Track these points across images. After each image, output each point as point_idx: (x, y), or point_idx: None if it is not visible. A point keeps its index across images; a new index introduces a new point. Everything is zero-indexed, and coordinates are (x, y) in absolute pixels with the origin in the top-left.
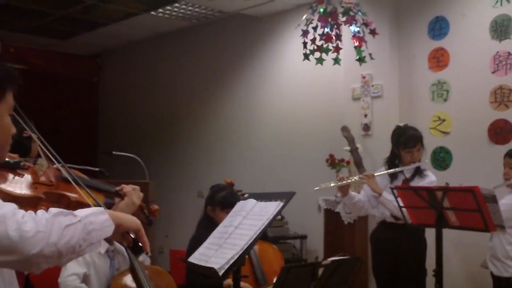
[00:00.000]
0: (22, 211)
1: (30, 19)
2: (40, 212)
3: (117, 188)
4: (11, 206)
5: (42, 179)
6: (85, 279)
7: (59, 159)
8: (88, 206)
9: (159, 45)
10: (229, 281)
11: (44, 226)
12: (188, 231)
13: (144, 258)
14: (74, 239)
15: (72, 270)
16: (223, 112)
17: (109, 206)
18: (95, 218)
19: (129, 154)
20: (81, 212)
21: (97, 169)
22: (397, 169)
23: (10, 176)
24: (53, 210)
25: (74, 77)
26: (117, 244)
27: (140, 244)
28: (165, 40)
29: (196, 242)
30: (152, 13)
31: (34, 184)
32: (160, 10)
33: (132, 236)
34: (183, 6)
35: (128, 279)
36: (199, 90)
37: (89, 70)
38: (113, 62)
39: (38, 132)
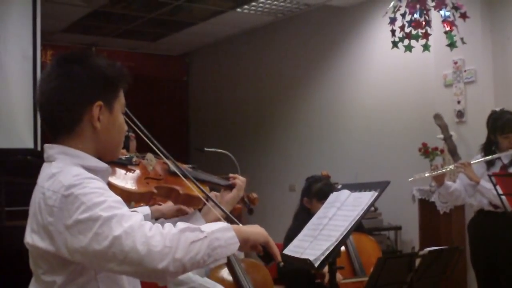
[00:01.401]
0: (149, 223)
1: (120, 24)
2: (168, 225)
3: (231, 182)
4: (138, 217)
5: (152, 173)
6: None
7: (166, 153)
8: (197, 198)
9: (245, 42)
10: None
11: (170, 241)
12: (280, 224)
13: (238, 253)
14: (200, 255)
15: None
16: (312, 105)
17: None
18: (221, 235)
19: (221, 150)
20: (207, 228)
21: (189, 166)
22: (495, 156)
23: (123, 172)
24: (180, 225)
25: (165, 77)
26: None
27: (270, 253)
28: (251, 36)
29: (293, 233)
30: (238, 10)
31: (146, 179)
32: (246, 6)
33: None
34: (268, 1)
35: (225, 272)
36: (286, 84)
37: (179, 69)
38: (202, 60)
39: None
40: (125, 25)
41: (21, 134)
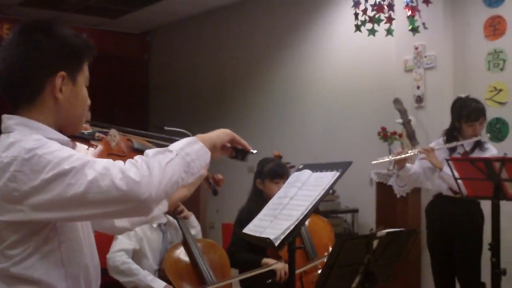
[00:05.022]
0: (120, 161)
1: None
2: (138, 157)
3: None
4: (109, 159)
5: (115, 149)
6: (137, 253)
7: (134, 130)
8: None
9: (207, 21)
10: (266, 260)
11: (146, 170)
12: (239, 206)
13: (196, 232)
14: (176, 175)
15: (120, 245)
16: (273, 86)
17: None
18: (190, 149)
19: (180, 130)
20: (175, 146)
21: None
22: (458, 143)
23: (84, 147)
24: (149, 151)
25: (125, 55)
26: (169, 218)
27: (241, 148)
28: (213, 16)
29: (245, 213)
30: None
31: (108, 155)
32: None
33: (229, 145)
34: None
35: (181, 253)
36: (247, 65)
37: (140, 47)
38: (163, 39)
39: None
40: (85, 0)
41: None
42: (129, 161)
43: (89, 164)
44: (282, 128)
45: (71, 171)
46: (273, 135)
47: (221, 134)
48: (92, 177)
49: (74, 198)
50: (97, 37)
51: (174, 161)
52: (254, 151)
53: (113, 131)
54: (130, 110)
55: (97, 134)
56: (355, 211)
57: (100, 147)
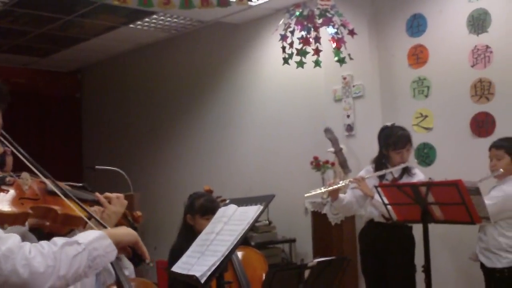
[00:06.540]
0: (28, 244)
1: (10, 39)
2: (46, 244)
3: (98, 196)
4: (15, 238)
5: (28, 193)
6: None
7: (44, 172)
8: (77, 218)
9: (139, 58)
10: None
11: (53, 260)
12: None
13: (129, 273)
14: (81, 268)
15: None
16: (206, 121)
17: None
18: (98, 244)
19: (112, 168)
20: (84, 239)
21: (79, 184)
22: (387, 171)
23: None
24: (58, 240)
25: (57, 93)
26: None
27: (139, 253)
28: (145, 52)
29: (177, 251)
30: (131, 25)
31: (21, 199)
32: (139, 22)
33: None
34: (162, 18)
35: None
36: (180, 100)
37: (71, 85)
38: (95, 76)
39: (19, 146)
40: (15, 39)
41: None
42: (36, 247)
43: None
44: (216, 161)
45: None
46: (206, 169)
47: (128, 234)
48: None
49: None
50: (28, 76)
51: (82, 255)
52: (151, 264)
53: (24, 174)
54: (63, 149)
55: (8, 178)
56: (292, 240)
57: (12, 191)
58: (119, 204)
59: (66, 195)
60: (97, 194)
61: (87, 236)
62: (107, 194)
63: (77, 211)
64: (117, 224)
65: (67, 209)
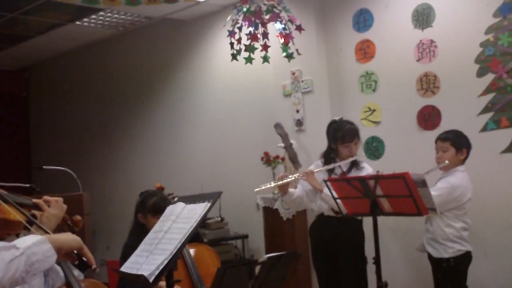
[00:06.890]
0: None
1: None
2: None
3: (36, 201)
4: None
5: None
6: None
7: None
8: (16, 222)
9: (87, 55)
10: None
11: None
12: None
13: (78, 273)
14: (18, 273)
15: None
16: (156, 118)
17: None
18: (38, 249)
19: (60, 167)
20: (23, 243)
21: (27, 185)
22: (336, 164)
23: None
24: None
25: (2, 92)
26: None
27: (84, 259)
28: (93, 49)
29: (128, 250)
30: (78, 23)
31: None
32: (86, 19)
33: (75, 253)
34: (108, 14)
35: None
36: (129, 97)
37: (17, 84)
38: (42, 75)
39: None
40: None
41: None
42: None
43: None
44: (167, 158)
45: None
46: (158, 166)
47: (71, 240)
48: None
49: None
50: None
51: (19, 259)
52: (97, 270)
53: None
54: (10, 149)
55: None
56: (245, 236)
57: None
58: (58, 208)
59: (3, 200)
60: (35, 199)
61: (26, 241)
62: (46, 197)
63: (15, 215)
64: (59, 229)
65: (4, 213)
